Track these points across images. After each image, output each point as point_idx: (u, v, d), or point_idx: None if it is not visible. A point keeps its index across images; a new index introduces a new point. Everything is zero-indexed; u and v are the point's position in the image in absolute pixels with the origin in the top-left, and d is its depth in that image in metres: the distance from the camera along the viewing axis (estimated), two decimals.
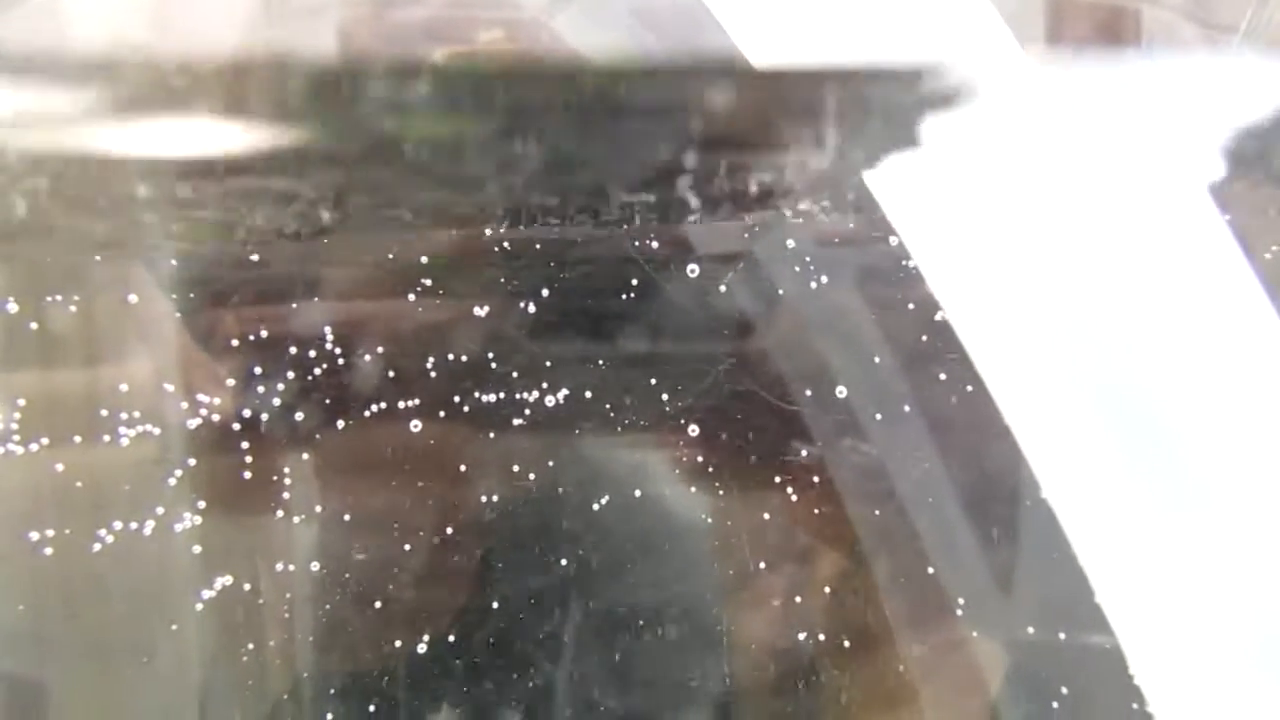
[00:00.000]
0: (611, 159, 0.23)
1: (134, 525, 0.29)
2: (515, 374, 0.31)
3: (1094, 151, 0.24)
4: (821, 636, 0.33)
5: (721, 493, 0.33)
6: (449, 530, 0.31)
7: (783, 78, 0.18)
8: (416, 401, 0.30)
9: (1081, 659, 0.31)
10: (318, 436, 0.30)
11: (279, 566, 0.31)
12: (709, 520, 0.33)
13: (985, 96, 0.20)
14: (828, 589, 0.33)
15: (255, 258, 0.29)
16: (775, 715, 0.33)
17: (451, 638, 0.32)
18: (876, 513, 0.32)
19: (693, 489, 0.33)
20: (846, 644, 0.33)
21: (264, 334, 0.30)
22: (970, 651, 0.33)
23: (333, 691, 0.31)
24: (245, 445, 0.30)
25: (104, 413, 0.29)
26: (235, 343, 0.30)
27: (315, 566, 0.31)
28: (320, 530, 0.31)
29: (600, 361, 0.31)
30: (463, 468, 0.31)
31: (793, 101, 0.19)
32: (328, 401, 0.30)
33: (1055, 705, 0.31)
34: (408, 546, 0.31)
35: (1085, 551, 0.29)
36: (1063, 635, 0.31)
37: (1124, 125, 0.23)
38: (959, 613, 0.32)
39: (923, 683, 0.33)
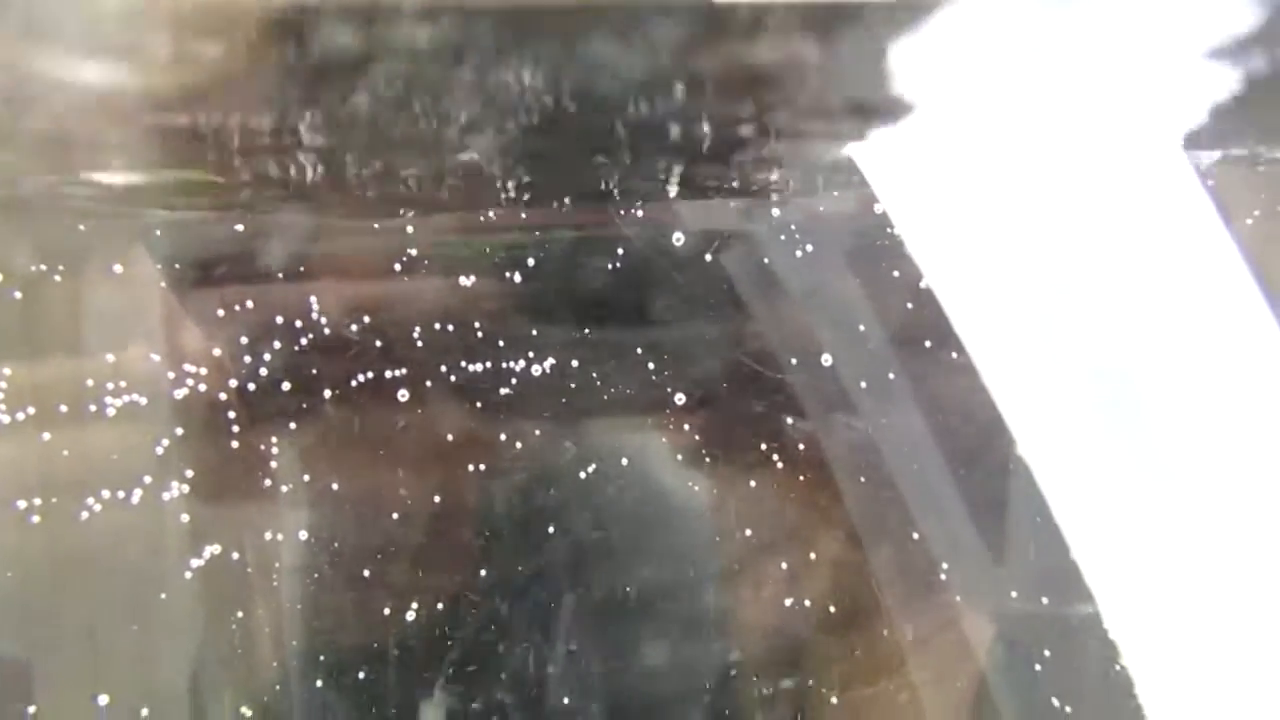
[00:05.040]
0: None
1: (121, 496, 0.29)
2: (508, 348, 0.31)
3: (1070, 112, 0.24)
4: (814, 613, 0.33)
5: (711, 468, 0.33)
6: (443, 508, 0.32)
7: (757, 19, 0.17)
8: (404, 373, 0.31)
9: (1066, 628, 0.31)
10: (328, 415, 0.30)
11: (269, 537, 0.31)
12: (700, 496, 0.33)
13: (961, 43, 0.20)
14: (821, 565, 0.33)
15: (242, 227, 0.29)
16: (769, 689, 0.34)
17: (449, 616, 0.32)
18: (867, 488, 0.33)
19: (685, 465, 0.33)
20: (838, 619, 0.33)
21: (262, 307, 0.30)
22: (960, 625, 0.33)
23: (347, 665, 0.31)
24: (244, 420, 0.30)
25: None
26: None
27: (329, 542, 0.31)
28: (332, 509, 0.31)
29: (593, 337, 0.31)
30: (451, 438, 0.31)
31: (767, 45, 0.19)
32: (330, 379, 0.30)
33: (1038, 667, 0.32)
34: (398, 519, 0.31)
35: (1068, 522, 0.29)
36: (1047, 604, 0.32)
37: (1101, 82, 0.23)
38: (949, 586, 0.33)
39: (913, 656, 0.33)
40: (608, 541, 0.32)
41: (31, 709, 0.29)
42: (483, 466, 0.31)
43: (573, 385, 0.31)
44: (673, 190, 0.30)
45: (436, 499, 0.31)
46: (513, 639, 0.32)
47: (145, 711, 0.30)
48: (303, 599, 0.31)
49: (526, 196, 0.30)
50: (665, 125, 0.22)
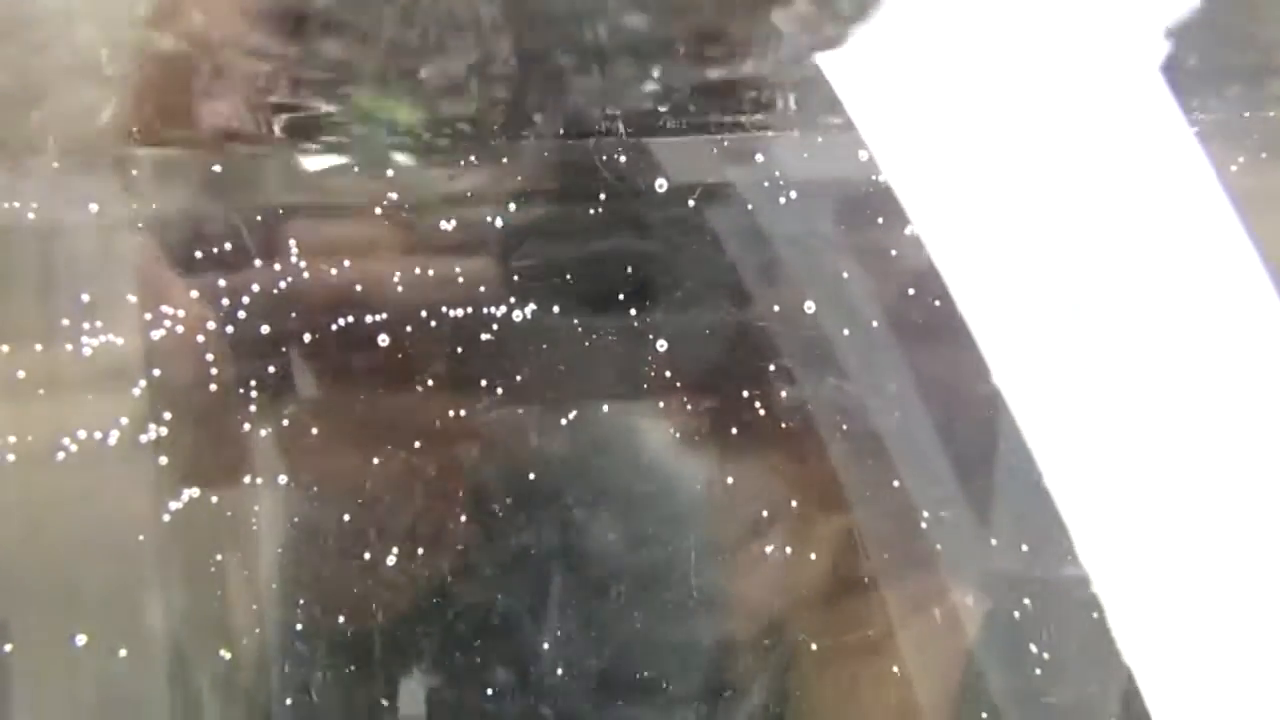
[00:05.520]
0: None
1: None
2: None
3: (1057, 54, 0.24)
4: (800, 586, 0.33)
5: (691, 435, 0.32)
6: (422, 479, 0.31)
7: None
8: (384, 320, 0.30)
9: (1056, 597, 0.31)
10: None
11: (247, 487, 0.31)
12: (686, 465, 0.33)
13: None
14: (802, 527, 0.33)
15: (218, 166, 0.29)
16: (755, 664, 0.33)
17: (435, 599, 0.32)
18: (855, 457, 0.32)
19: (665, 433, 0.32)
20: (823, 593, 0.33)
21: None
22: (948, 597, 0.33)
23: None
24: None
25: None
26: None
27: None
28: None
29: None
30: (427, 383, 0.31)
31: None
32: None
33: (1017, 615, 0.32)
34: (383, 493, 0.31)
35: (1058, 487, 0.29)
36: (1038, 574, 0.31)
37: (1086, 23, 0.23)
38: (937, 551, 0.32)
39: (900, 629, 0.33)
40: (580, 503, 0.32)
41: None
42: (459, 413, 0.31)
43: (554, 339, 0.31)
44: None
45: (416, 446, 0.31)
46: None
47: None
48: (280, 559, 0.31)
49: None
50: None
